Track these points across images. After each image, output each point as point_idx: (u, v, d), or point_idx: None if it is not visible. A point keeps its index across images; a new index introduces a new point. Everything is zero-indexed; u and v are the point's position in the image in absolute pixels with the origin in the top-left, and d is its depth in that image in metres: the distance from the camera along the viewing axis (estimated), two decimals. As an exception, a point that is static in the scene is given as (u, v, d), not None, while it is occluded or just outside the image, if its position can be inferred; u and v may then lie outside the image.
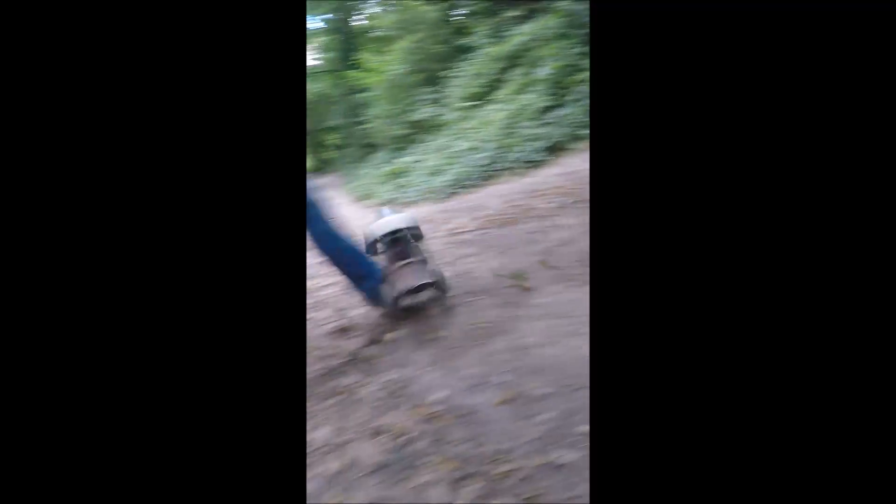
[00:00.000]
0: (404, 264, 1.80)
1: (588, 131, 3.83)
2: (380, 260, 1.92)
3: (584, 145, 3.96)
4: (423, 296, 1.84)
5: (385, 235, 1.91)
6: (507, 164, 4.47)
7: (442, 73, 8.00)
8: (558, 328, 1.54)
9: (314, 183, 1.85)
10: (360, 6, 13.45)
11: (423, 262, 1.84)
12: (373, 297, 1.90)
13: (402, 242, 1.89)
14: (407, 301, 1.81)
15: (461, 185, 4.66)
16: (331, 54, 14.60)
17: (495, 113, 5.53)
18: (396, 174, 6.37)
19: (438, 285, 1.81)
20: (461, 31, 8.48)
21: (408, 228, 1.92)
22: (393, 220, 1.94)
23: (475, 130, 5.62)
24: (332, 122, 13.71)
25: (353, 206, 6.80)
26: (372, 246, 1.94)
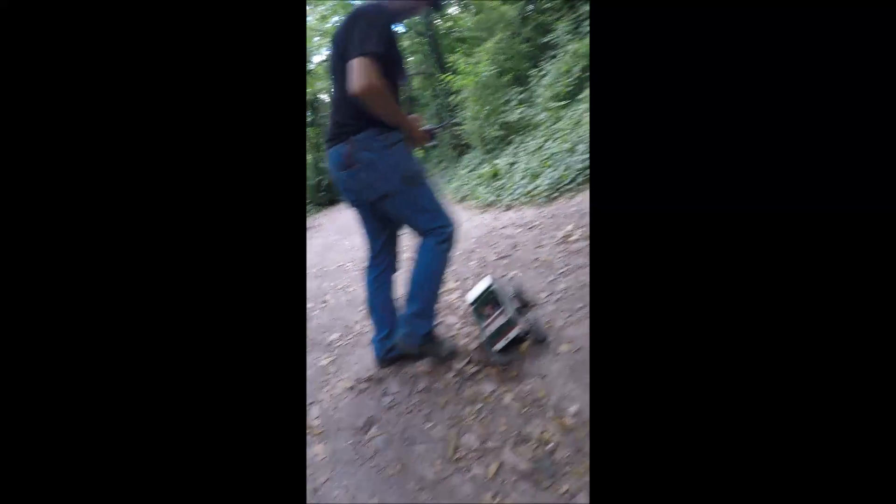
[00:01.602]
0: (496, 315, 2.13)
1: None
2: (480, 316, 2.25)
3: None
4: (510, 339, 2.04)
5: (477, 298, 2.33)
6: (603, 166, 4.61)
7: (530, 73, 8.15)
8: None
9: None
10: (443, 8, 13.78)
11: (518, 312, 2.13)
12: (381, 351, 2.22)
13: (494, 299, 2.25)
14: (501, 346, 2.04)
15: (558, 189, 4.86)
16: (418, 57, 15.09)
17: (585, 113, 5.64)
18: (493, 176, 6.62)
19: (532, 331, 2.04)
20: (543, 28, 8.60)
21: (500, 289, 2.28)
22: (481, 283, 2.37)
23: (567, 131, 5.76)
24: (425, 124, 14.12)
25: (455, 206, 7.08)
26: (475, 309, 2.33)
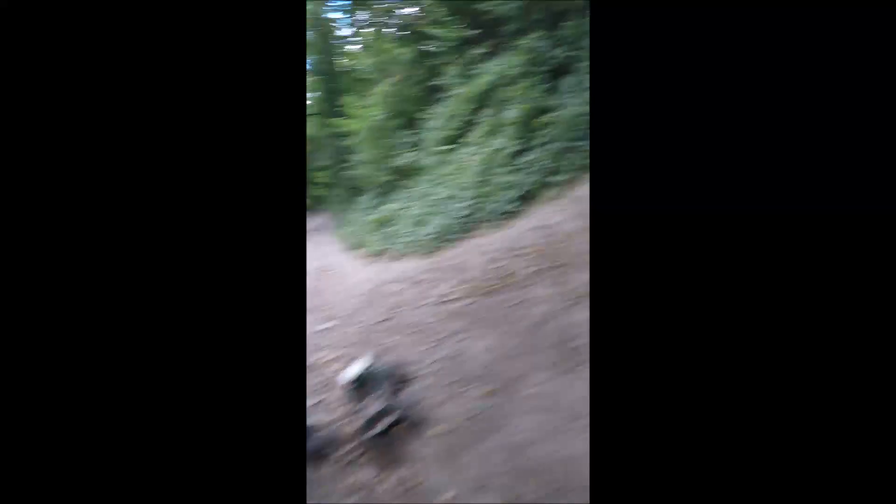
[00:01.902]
0: (373, 398, 2.14)
1: (556, 178, 4.23)
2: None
3: (555, 194, 4.28)
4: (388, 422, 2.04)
5: (355, 379, 2.31)
6: (485, 215, 4.72)
7: (419, 116, 8.22)
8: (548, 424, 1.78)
9: None
10: (342, 46, 13.73)
11: (394, 395, 2.17)
12: None
13: (370, 382, 2.27)
14: (378, 431, 2.03)
15: (444, 237, 4.90)
16: (317, 94, 14.87)
17: (470, 157, 5.76)
18: (383, 222, 6.60)
19: (401, 416, 2.06)
20: (433, 71, 8.75)
21: (377, 370, 2.31)
22: (359, 363, 2.37)
23: (453, 177, 5.85)
24: (320, 163, 13.93)
25: (346, 254, 6.99)
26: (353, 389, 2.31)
